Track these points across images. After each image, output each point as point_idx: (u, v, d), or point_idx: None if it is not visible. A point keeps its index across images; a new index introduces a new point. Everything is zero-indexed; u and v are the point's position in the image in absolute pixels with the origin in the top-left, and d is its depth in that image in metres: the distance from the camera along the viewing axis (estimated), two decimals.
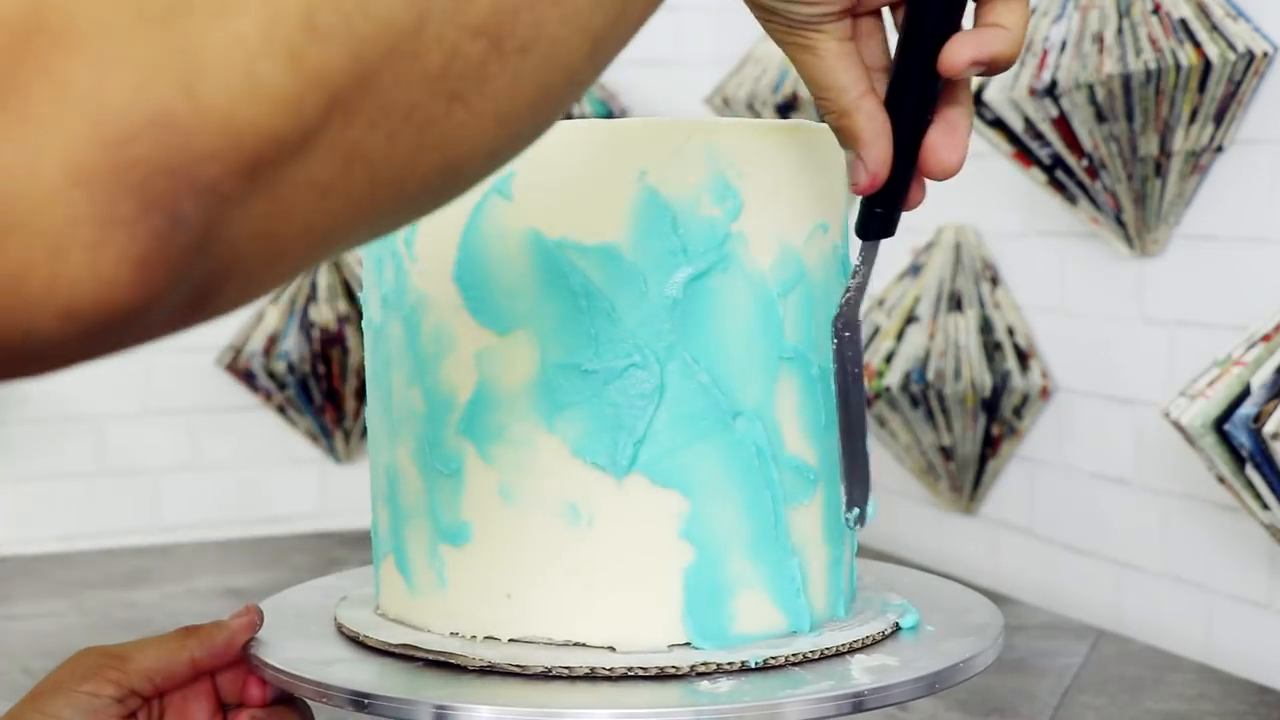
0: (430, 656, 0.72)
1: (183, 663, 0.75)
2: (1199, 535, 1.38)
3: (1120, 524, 1.48)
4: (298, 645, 0.76)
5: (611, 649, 0.71)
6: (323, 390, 1.95)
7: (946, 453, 1.65)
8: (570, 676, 0.69)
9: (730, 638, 0.72)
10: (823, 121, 0.67)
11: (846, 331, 0.70)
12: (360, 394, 1.95)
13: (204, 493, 1.99)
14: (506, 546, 0.72)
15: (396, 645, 0.73)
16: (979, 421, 1.61)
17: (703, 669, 0.70)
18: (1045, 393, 1.57)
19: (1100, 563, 1.51)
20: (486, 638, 0.73)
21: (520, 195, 0.70)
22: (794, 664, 0.71)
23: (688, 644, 0.72)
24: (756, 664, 0.70)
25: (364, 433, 2.00)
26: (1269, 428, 1.13)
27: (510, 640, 0.72)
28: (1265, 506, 1.17)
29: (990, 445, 1.63)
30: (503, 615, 0.73)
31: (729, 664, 0.70)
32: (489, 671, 0.70)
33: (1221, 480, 1.20)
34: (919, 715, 1.19)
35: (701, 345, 0.71)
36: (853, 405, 0.71)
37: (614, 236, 0.70)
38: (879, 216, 0.68)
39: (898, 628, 0.77)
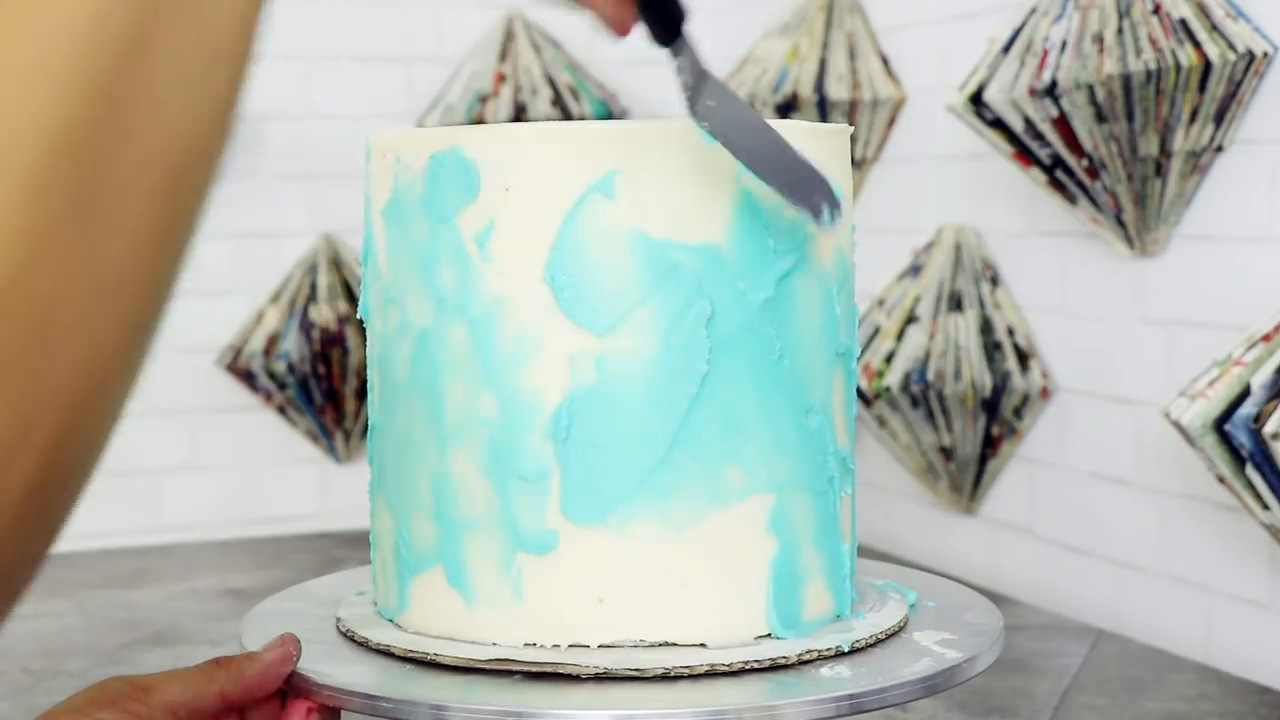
0: (535, 669, 0.70)
1: (210, 695, 0.71)
2: (1199, 535, 1.38)
3: (1120, 524, 1.48)
4: (353, 669, 0.72)
5: (703, 645, 0.72)
6: (323, 390, 1.95)
7: (946, 453, 1.65)
8: (691, 676, 0.69)
9: (802, 625, 0.75)
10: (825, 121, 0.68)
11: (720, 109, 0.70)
12: (360, 394, 1.95)
13: (204, 493, 1.99)
14: (600, 552, 0.72)
15: (488, 661, 0.71)
16: (979, 421, 1.61)
17: (807, 657, 0.71)
18: (1045, 393, 1.57)
19: (1100, 563, 1.51)
20: (572, 645, 0.72)
21: (623, 194, 0.70)
22: (870, 645, 0.74)
23: (769, 635, 0.74)
24: (847, 648, 0.73)
25: (364, 433, 2.00)
26: (1269, 428, 1.13)
27: (600, 646, 0.72)
28: (1265, 506, 1.17)
29: (990, 445, 1.63)
30: (591, 621, 0.72)
31: (826, 650, 0.72)
32: (605, 678, 0.69)
33: (1221, 480, 1.20)
34: (919, 715, 1.19)
35: (786, 342, 0.73)
36: (770, 136, 0.71)
37: (715, 236, 0.72)
38: (657, 8, 0.68)
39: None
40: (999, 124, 1.44)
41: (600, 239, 0.70)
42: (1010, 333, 1.60)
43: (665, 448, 0.71)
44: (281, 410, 1.99)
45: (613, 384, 0.71)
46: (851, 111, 1.78)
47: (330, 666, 0.72)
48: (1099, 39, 1.33)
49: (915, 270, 1.67)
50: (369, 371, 0.81)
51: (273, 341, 1.93)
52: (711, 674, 0.70)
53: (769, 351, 0.73)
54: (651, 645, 0.72)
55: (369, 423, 0.81)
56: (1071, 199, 1.44)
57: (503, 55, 2.00)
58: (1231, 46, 1.27)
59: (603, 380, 0.71)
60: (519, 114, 1.96)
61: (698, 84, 0.70)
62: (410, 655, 0.73)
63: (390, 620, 0.78)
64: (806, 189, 0.69)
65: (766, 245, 0.72)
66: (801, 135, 0.74)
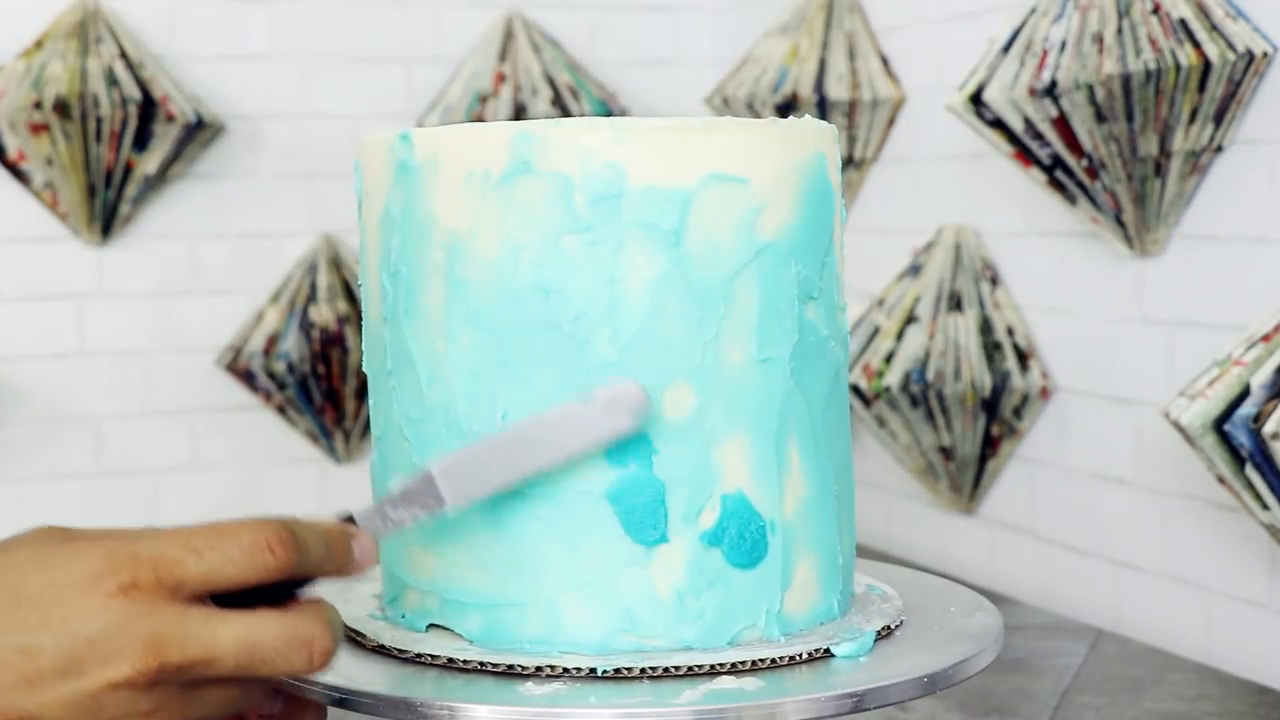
0: (536, 668, 0.71)
1: None
2: (1199, 535, 1.38)
3: (1120, 524, 1.48)
4: (356, 668, 0.72)
5: (702, 644, 0.73)
6: (323, 390, 1.95)
7: (946, 453, 1.65)
8: (690, 675, 0.70)
9: (801, 624, 0.75)
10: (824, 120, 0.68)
11: None
12: (360, 394, 1.95)
13: (204, 493, 1.99)
14: None
15: (489, 661, 0.71)
16: (979, 421, 1.61)
17: (806, 656, 0.72)
18: (1045, 393, 1.57)
19: (1100, 563, 1.51)
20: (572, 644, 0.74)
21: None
22: (869, 644, 0.74)
23: (768, 634, 0.74)
24: (846, 647, 0.73)
25: (364, 432, 2.00)
26: (1269, 428, 1.13)
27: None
28: (1265, 506, 1.17)
29: (990, 445, 1.63)
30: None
31: (825, 648, 0.72)
32: (605, 678, 0.71)
33: (1221, 480, 1.20)
34: (919, 715, 1.19)
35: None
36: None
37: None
38: None
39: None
40: (999, 124, 1.44)
41: None
42: (1010, 333, 1.60)
43: None
44: (281, 410, 1.99)
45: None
46: (851, 111, 1.78)
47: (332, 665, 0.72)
48: (1099, 39, 1.33)
49: (915, 270, 1.67)
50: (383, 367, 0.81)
51: (273, 341, 1.93)
52: (711, 673, 0.70)
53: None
54: (651, 644, 0.72)
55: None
56: (1071, 199, 1.44)
57: (502, 55, 2.00)
58: (1231, 46, 1.27)
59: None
60: (518, 114, 1.96)
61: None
62: (409, 654, 0.73)
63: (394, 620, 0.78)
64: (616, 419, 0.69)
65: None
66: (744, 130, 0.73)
